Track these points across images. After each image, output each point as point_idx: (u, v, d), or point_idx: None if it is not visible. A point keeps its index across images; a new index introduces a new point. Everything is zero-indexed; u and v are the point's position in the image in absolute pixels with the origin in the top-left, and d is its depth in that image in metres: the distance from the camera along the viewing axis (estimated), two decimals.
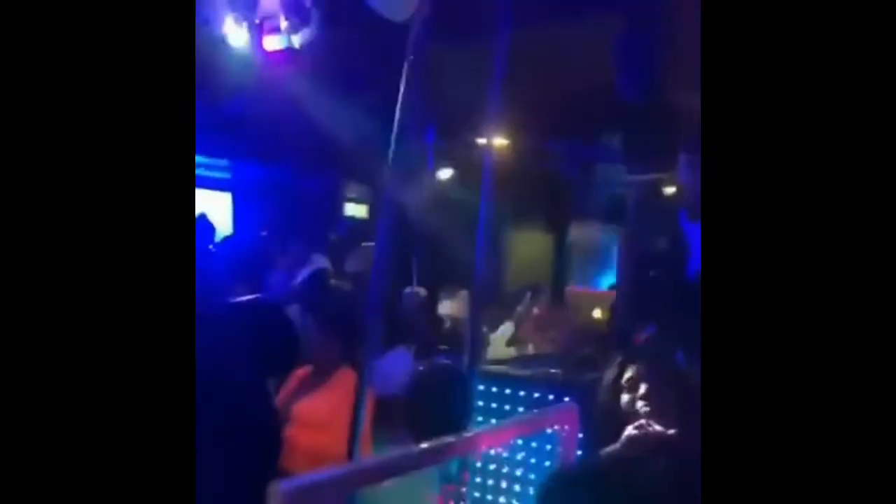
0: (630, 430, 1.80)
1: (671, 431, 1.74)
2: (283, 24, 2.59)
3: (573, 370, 3.10)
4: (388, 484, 1.50)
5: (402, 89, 2.04)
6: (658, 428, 1.75)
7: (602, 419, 1.96)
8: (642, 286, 2.34)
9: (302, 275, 3.39)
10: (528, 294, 4.62)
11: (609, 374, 2.00)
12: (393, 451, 1.61)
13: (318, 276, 3.19)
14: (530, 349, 4.00)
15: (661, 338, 2.42)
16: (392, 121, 2.06)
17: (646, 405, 1.84)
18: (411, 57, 2.06)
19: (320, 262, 3.57)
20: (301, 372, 2.43)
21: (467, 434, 1.96)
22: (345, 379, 2.28)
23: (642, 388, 1.87)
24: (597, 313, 3.88)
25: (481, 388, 2.74)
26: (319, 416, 2.17)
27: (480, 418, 2.62)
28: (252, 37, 2.67)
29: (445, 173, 4.49)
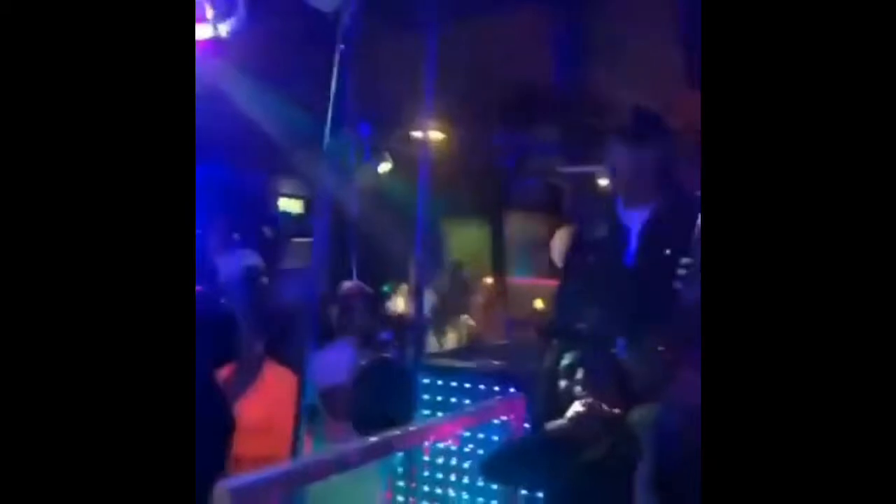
0: (577, 407, 1.83)
1: (616, 411, 1.77)
2: (210, 12, 2.50)
3: (517, 360, 3.12)
4: (334, 480, 1.48)
5: (333, 80, 2.01)
6: (604, 407, 1.78)
7: (543, 407, 1.98)
8: (580, 274, 2.37)
9: (230, 271, 3.31)
10: (465, 280, 4.65)
11: (548, 362, 2.02)
12: (337, 447, 1.58)
13: (246, 272, 3.12)
14: (474, 341, 4.01)
15: (598, 324, 2.45)
16: (325, 113, 2.02)
17: (583, 390, 1.86)
18: (342, 47, 2.02)
19: (251, 258, 3.49)
20: (224, 372, 2.34)
21: (413, 427, 1.95)
22: (276, 377, 2.22)
23: (579, 374, 1.90)
24: (538, 303, 3.93)
25: (426, 381, 2.74)
26: (258, 419, 2.10)
27: (427, 412, 2.61)
28: None
29: (382, 167, 4.45)
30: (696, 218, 2.20)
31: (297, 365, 1.79)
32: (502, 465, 1.95)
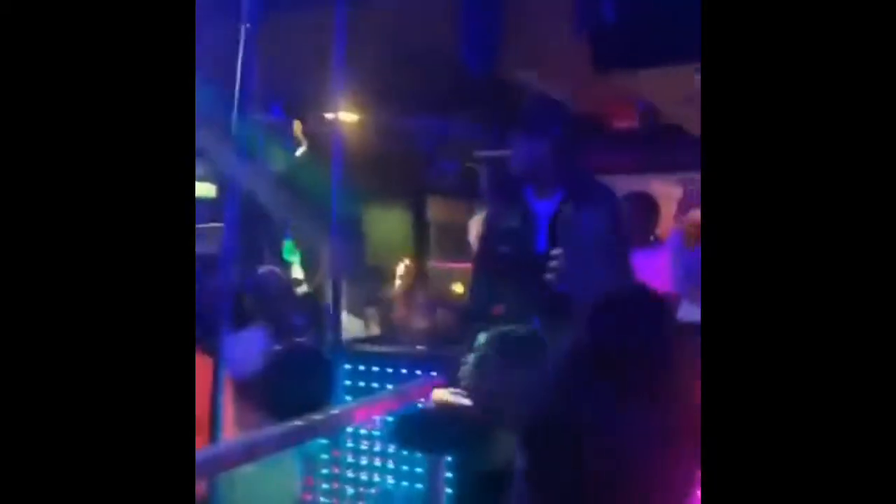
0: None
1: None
2: None
3: (437, 344, 3.14)
4: (249, 468, 1.44)
5: (239, 60, 1.94)
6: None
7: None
8: (494, 261, 2.40)
9: None
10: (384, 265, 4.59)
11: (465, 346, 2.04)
12: (251, 434, 1.54)
13: None
14: (396, 325, 4.00)
15: (512, 309, 2.49)
16: (232, 94, 1.95)
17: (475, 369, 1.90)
18: (247, 25, 1.95)
19: None
20: None
21: (333, 412, 1.93)
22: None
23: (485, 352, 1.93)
24: (457, 287, 3.95)
25: (348, 366, 2.71)
26: None
27: (349, 397, 2.59)
28: None
29: (298, 150, 4.36)
30: (604, 205, 2.26)
31: (210, 352, 1.73)
32: (405, 430, 2.04)
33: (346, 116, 3.34)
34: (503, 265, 2.36)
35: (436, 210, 6.16)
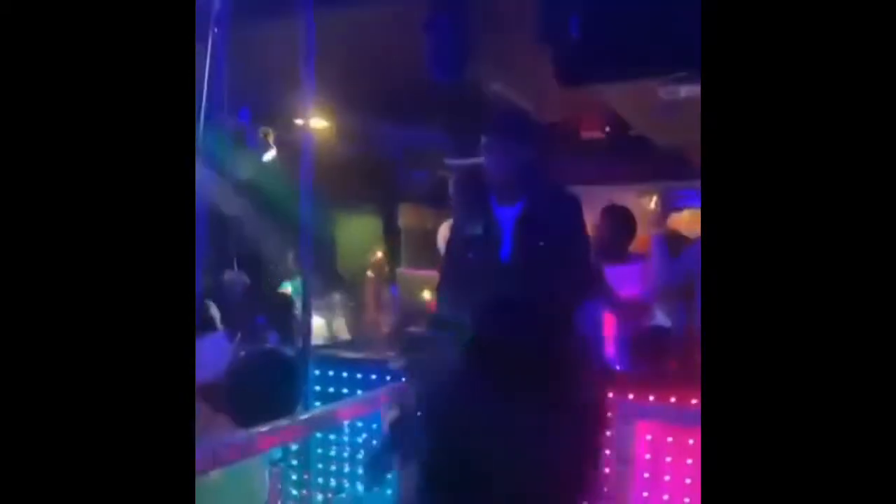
0: None
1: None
2: None
3: (406, 350, 3.14)
4: (215, 473, 1.43)
5: (207, 64, 1.93)
6: None
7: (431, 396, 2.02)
8: (459, 268, 2.42)
9: None
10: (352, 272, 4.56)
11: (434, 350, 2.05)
12: (219, 439, 1.53)
13: None
14: (365, 331, 4.00)
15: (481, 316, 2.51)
16: (199, 97, 1.94)
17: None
18: (215, 30, 1.95)
19: None
20: None
21: (301, 418, 1.92)
22: None
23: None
24: (426, 294, 3.96)
25: (317, 372, 2.70)
26: None
27: (318, 403, 2.58)
28: None
29: (266, 155, 4.33)
30: (565, 214, 2.30)
31: None
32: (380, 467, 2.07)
33: (315, 123, 3.33)
34: (468, 271, 2.38)
35: (406, 217, 6.17)
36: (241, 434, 1.58)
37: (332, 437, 2.72)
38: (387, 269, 4.46)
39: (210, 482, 1.51)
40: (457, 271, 2.45)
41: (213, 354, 1.98)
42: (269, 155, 4.28)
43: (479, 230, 2.38)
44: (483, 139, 2.38)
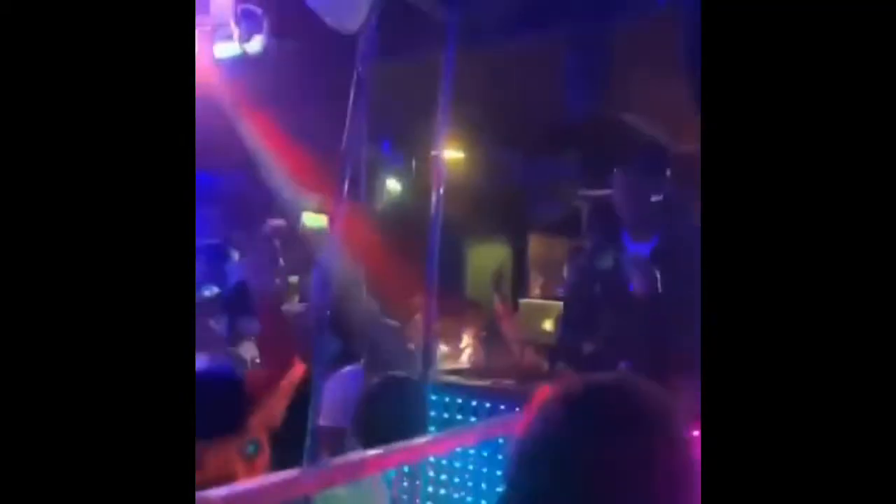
0: None
1: None
2: (235, 31, 2.60)
3: (525, 380, 3.13)
4: (338, 490, 1.50)
5: (350, 101, 2.06)
6: None
7: None
8: (586, 300, 2.39)
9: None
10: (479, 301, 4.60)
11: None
12: (340, 459, 1.61)
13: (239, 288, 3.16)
14: (485, 360, 4.03)
15: (603, 350, 2.46)
16: (342, 131, 2.08)
17: None
18: (359, 68, 2.08)
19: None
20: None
21: (418, 441, 1.97)
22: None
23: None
24: (547, 325, 3.93)
25: (434, 398, 2.76)
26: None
27: (433, 428, 2.64)
28: (203, 44, 2.66)
29: (400, 185, 4.51)
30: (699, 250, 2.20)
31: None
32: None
33: (451, 154, 3.44)
34: (594, 305, 2.35)
35: (536, 247, 6.17)
36: (361, 453, 1.65)
37: (443, 461, 2.76)
38: (507, 294, 4.47)
39: (333, 496, 1.59)
40: (582, 304, 2.43)
41: (350, 390, 2.08)
42: (401, 184, 4.41)
43: (609, 264, 2.35)
44: (617, 174, 2.34)
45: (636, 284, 2.28)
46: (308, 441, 1.71)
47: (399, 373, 2.45)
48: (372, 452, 1.66)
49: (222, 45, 2.66)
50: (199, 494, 1.09)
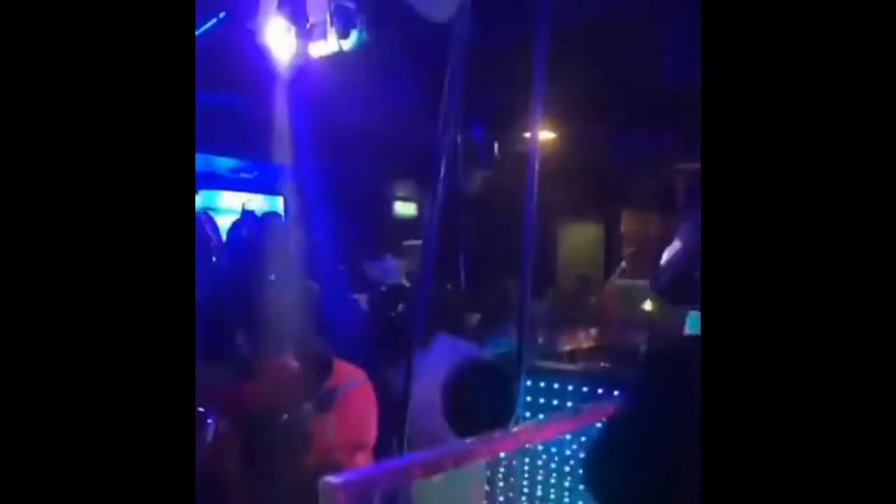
0: None
1: None
2: (331, 29, 2.63)
3: (623, 363, 3.07)
4: (437, 478, 1.54)
5: (445, 88, 2.06)
6: None
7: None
8: (686, 280, 2.30)
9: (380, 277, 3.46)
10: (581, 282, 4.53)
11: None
12: (443, 447, 1.64)
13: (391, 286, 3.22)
14: (581, 342, 3.97)
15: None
16: (437, 118, 2.08)
17: None
18: (453, 56, 2.07)
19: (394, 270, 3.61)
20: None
21: (514, 429, 1.98)
22: (359, 393, 2.15)
23: None
24: (647, 305, 3.82)
25: (528, 383, 2.76)
26: (360, 436, 2.09)
27: (528, 413, 2.64)
28: (300, 43, 2.72)
29: (494, 167, 4.48)
30: None
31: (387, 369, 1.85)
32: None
33: (543, 133, 3.39)
34: (694, 284, 2.25)
35: (629, 223, 6.00)
36: (458, 443, 1.68)
37: (539, 447, 2.76)
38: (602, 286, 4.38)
39: (431, 485, 1.63)
40: (685, 287, 2.33)
41: (443, 362, 2.09)
42: (495, 167, 4.37)
43: None
44: None
45: None
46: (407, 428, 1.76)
47: (488, 357, 2.45)
48: (472, 440, 1.67)
49: (318, 43, 2.71)
50: (321, 480, 1.15)
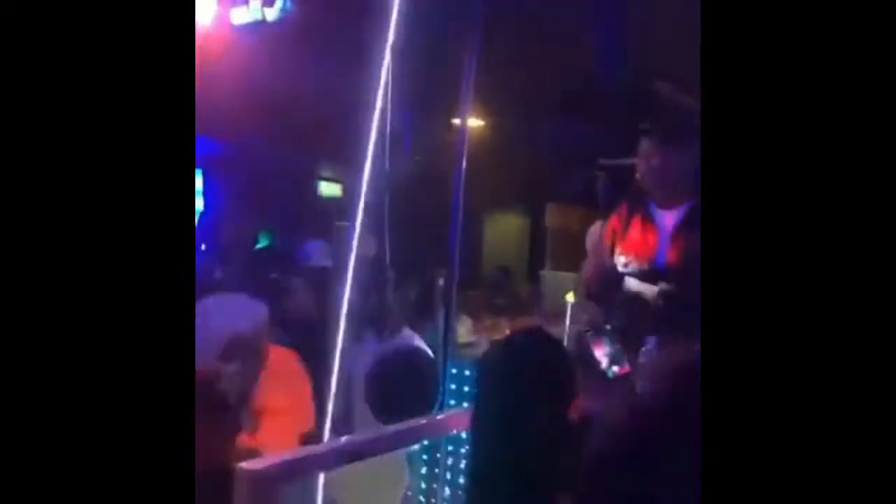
0: None
1: None
2: None
3: None
4: (358, 466, 1.51)
5: (383, 71, 2.02)
6: None
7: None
8: (609, 271, 2.35)
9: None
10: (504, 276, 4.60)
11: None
12: (364, 433, 1.61)
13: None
14: (506, 332, 4.01)
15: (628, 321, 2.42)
16: (363, 96, 2.04)
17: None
18: (390, 37, 2.03)
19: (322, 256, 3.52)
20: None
21: (438, 416, 1.97)
22: (283, 359, 2.19)
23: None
24: (569, 296, 3.90)
25: (454, 371, 2.75)
26: (282, 402, 2.10)
27: (453, 402, 2.63)
28: (220, 9, 2.60)
29: (422, 155, 4.46)
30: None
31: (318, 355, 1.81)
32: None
33: (474, 122, 3.38)
34: (618, 275, 2.31)
35: (553, 217, 6.11)
36: (383, 430, 1.65)
37: (463, 435, 2.76)
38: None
39: (357, 470, 1.60)
40: (606, 274, 2.38)
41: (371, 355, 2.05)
42: (423, 155, 4.34)
43: (635, 234, 2.29)
44: (648, 140, 2.27)
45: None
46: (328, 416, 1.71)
47: (414, 344, 2.43)
48: (393, 428, 1.66)
49: (241, 10, 2.60)
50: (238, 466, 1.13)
